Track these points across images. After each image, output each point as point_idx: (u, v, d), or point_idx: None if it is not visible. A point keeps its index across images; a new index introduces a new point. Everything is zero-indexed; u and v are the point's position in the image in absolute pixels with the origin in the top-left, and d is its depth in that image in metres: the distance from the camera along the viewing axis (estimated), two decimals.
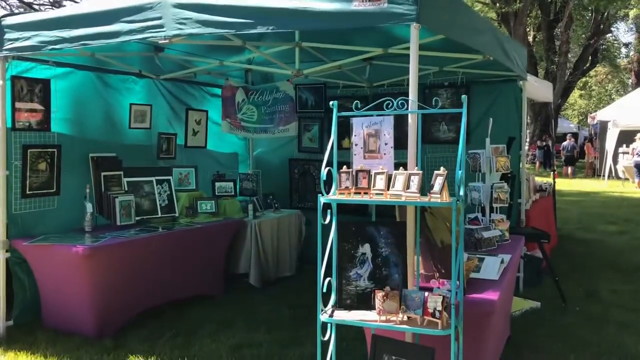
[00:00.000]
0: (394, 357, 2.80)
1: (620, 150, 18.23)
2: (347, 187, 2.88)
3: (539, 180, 8.09)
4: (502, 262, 3.44)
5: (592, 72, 33.77)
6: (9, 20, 4.16)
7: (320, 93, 6.60)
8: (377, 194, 2.85)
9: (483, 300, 2.94)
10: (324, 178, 2.86)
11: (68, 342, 4.21)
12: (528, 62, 6.80)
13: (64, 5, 17.90)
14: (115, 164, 5.21)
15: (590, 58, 27.22)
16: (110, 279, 4.35)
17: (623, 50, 35.08)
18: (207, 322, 4.72)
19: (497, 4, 21.59)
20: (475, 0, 22.75)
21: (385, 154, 3.00)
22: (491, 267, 3.37)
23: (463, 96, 2.82)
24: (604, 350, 4.14)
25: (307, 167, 6.94)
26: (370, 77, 6.27)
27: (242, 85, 6.59)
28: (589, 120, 22.46)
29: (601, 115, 19.73)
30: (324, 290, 2.88)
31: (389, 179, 2.84)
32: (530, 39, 25.08)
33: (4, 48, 4.17)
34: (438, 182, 2.72)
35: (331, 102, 3.04)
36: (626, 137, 17.67)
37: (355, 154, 3.06)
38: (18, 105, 4.52)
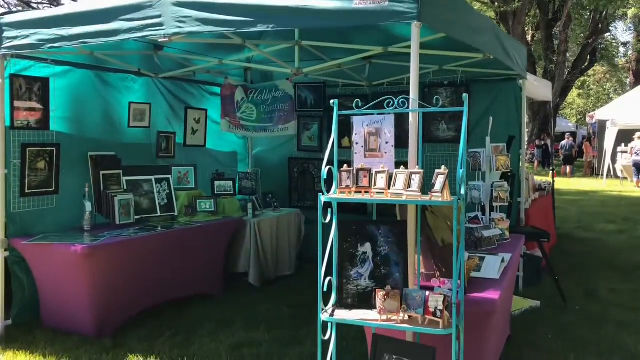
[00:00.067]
0: (394, 357, 2.79)
1: (619, 149, 18.25)
2: (347, 186, 2.87)
3: (537, 179, 8.09)
4: (502, 261, 3.44)
5: (590, 72, 33.80)
6: (8, 19, 4.15)
7: (319, 92, 6.60)
8: (378, 192, 2.84)
9: (484, 299, 2.94)
10: (325, 177, 2.85)
11: (67, 341, 4.20)
12: (527, 61, 6.80)
13: (63, 4, 17.88)
14: (114, 162, 5.20)
15: (588, 57, 27.25)
16: (110, 278, 4.34)
17: (621, 49, 35.12)
18: (207, 321, 4.71)
19: (496, 3, 21.58)
20: None
21: (386, 152, 2.99)
22: (492, 266, 3.37)
23: (464, 95, 2.81)
24: (604, 350, 4.14)
25: (306, 166, 6.94)
26: (369, 76, 6.27)
27: (241, 84, 6.58)
28: (588, 119, 22.49)
29: (599, 114, 19.75)
30: (325, 289, 2.87)
31: (390, 177, 2.84)
32: (529, 38, 25.08)
33: (2, 46, 4.16)
34: (439, 181, 2.71)
35: (332, 101, 3.03)
36: (625, 136, 17.69)
37: (356, 153, 3.05)
38: (17, 103, 4.50)
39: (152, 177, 5.40)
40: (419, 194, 2.72)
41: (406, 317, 2.72)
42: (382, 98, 2.94)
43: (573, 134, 24.69)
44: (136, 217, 5.05)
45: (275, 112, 6.52)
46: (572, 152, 22.04)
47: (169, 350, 4.08)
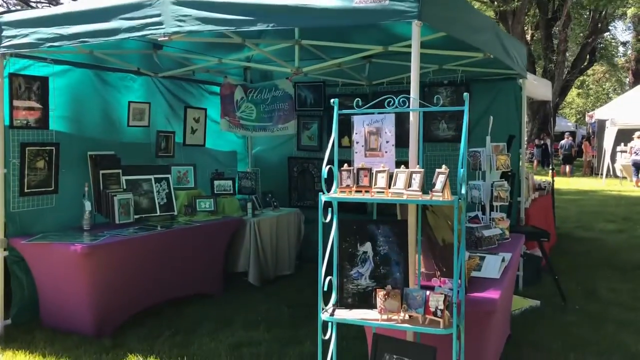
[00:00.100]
0: (395, 356, 2.79)
1: (618, 148, 18.26)
2: (348, 185, 2.87)
3: (537, 178, 8.09)
4: (503, 260, 3.43)
5: (589, 71, 33.81)
6: (7, 18, 4.14)
7: (319, 91, 6.59)
8: (378, 192, 2.84)
9: (484, 299, 2.93)
10: (325, 176, 2.84)
11: (66, 341, 4.19)
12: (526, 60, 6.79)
13: (62, 3, 17.85)
14: (113, 162, 5.19)
15: (588, 57, 27.26)
16: (109, 278, 4.33)
17: (621, 49, 35.16)
18: (206, 320, 4.71)
19: (495, 3, 21.57)
20: None
21: (386, 152, 2.98)
22: (492, 265, 3.36)
23: (465, 94, 2.80)
24: (604, 349, 4.14)
25: (306, 166, 6.93)
26: (369, 75, 6.26)
27: (240, 83, 6.57)
28: (587, 119, 22.48)
29: (599, 114, 19.75)
30: (325, 288, 2.87)
31: (391, 177, 2.83)
32: (528, 37, 25.08)
33: (1, 45, 4.14)
34: (440, 180, 2.71)
35: (332, 100, 3.03)
36: (624, 136, 17.69)
37: (356, 152, 3.05)
38: (16, 103, 4.49)
39: (152, 177, 5.39)
40: (420, 193, 2.72)
41: (406, 316, 2.71)
42: (383, 97, 2.93)
43: (572, 134, 24.70)
44: (135, 216, 5.04)
45: (275, 111, 6.51)
46: (571, 152, 22.05)
47: (168, 350, 4.08)
